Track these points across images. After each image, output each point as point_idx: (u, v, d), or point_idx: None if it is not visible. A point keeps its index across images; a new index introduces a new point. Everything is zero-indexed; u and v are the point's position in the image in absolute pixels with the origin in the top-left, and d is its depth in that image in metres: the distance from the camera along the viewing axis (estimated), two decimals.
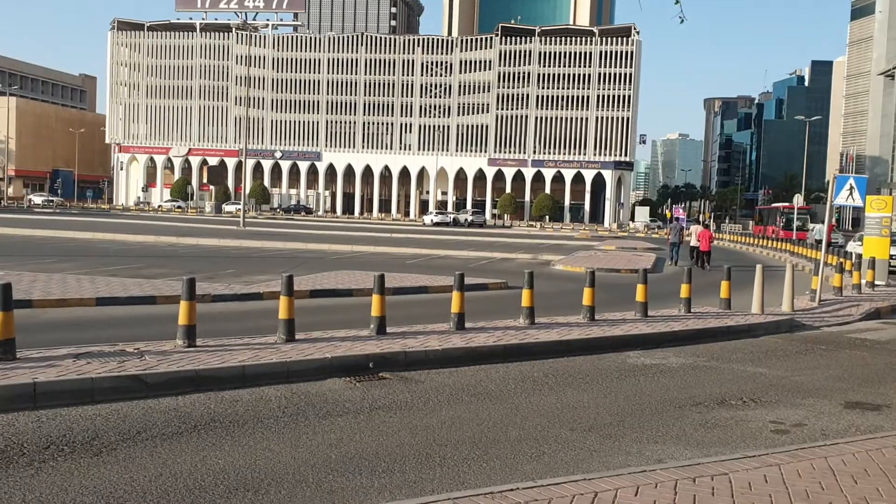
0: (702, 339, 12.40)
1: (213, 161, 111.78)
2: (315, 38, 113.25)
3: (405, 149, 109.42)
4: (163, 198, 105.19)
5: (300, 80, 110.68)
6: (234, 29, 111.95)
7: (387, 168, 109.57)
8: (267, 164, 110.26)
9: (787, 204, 59.98)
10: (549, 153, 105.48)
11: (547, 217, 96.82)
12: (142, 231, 39.61)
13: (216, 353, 8.80)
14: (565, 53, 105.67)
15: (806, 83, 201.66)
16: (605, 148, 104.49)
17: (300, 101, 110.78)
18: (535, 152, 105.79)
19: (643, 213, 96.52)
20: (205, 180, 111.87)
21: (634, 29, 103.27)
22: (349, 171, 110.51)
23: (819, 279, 17.92)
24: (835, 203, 18.17)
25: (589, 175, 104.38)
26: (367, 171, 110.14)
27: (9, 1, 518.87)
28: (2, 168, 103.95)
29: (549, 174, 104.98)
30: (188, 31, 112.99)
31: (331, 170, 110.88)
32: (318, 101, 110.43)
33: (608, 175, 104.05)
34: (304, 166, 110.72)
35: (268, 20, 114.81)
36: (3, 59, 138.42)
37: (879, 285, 22.22)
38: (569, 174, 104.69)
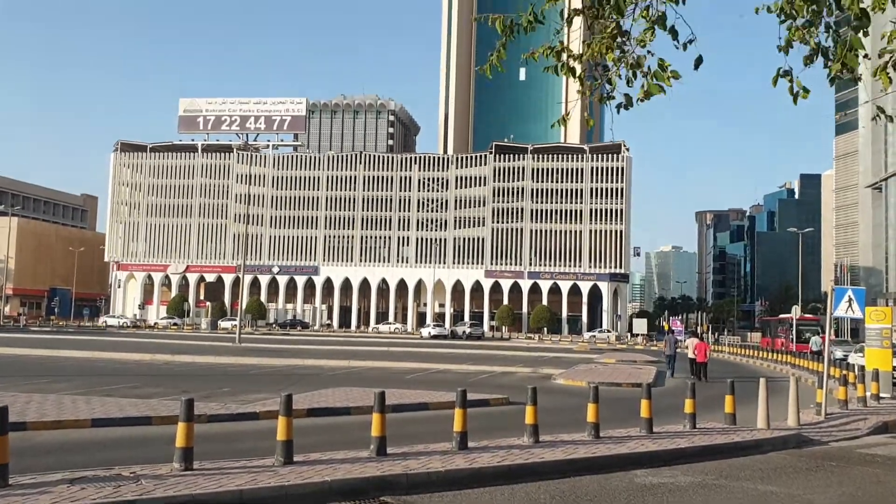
0: (709, 455, 12.13)
1: (210, 277, 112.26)
2: (315, 157, 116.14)
3: (402, 262, 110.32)
4: (159, 315, 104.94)
5: (299, 197, 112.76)
6: (235, 149, 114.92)
7: (384, 281, 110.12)
8: (264, 280, 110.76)
9: (797, 315, 57.04)
10: (546, 265, 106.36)
11: (545, 329, 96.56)
12: (137, 349, 39.30)
13: (213, 476, 8.57)
14: (558, 169, 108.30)
15: (796, 195, 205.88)
16: (601, 260, 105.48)
17: (299, 217, 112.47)
18: (531, 264, 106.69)
19: (641, 326, 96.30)
20: (202, 297, 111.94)
21: (624, 146, 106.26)
22: (346, 284, 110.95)
23: (824, 392, 17.72)
24: (835, 315, 18.21)
25: (585, 287, 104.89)
26: (365, 285, 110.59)
27: (16, 124, 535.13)
28: (0, 287, 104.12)
29: (545, 286, 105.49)
30: (190, 152, 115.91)
31: (328, 283, 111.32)
32: (317, 217, 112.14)
33: (604, 287, 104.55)
34: (301, 280, 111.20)
35: (268, 141, 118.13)
36: (6, 180, 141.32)
37: (884, 397, 21.93)
38: (565, 286, 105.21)
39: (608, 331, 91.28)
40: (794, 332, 55.32)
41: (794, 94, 5.34)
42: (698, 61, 5.32)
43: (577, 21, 5.67)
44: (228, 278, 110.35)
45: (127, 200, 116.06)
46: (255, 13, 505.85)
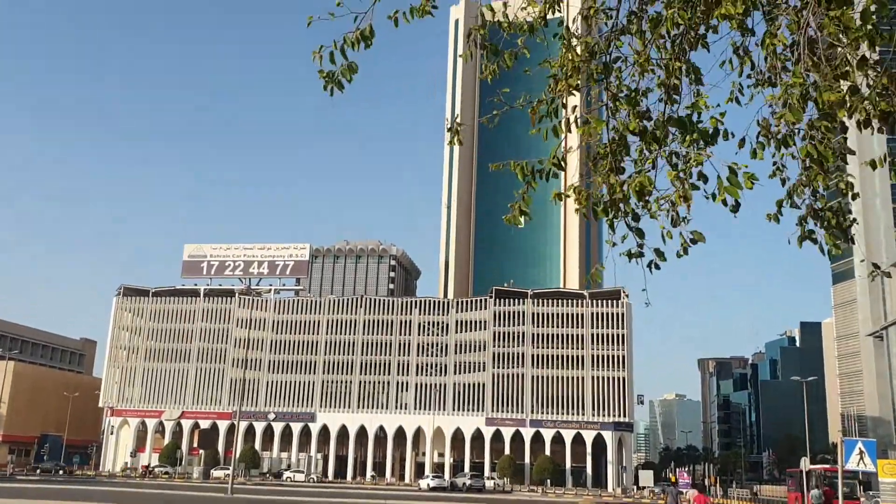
0: None
1: (204, 424, 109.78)
2: (315, 301, 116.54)
3: (401, 408, 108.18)
4: (151, 462, 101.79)
5: (299, 342, 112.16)
6: (237, 293, 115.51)
7: (382, 428, 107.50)
8: (259, 427, 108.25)
9: (827, 466, 53.88)
10: (548, 413, 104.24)
11: (548, 481, 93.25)
12: (126, 501, 37.78)
13: None
14: (557, 315, 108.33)
15: (797, 343, 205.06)
16: (604, 408, 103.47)
17: (297, 362, 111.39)
18: (532, 412, 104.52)
19: (647, 478, 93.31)
20: (195, 444, 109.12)
21: (623, 292, 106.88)
22: (343, 431, 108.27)
23: None
24: (846, 468, 17.60)
25: (589, 436, 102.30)
26: (362, 432, 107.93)
27: (20, 267, 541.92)
28: None
29: (548, 434, 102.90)
30: (192, 297, 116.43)
31: (324, 431, 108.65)
32: (315, 362, 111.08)
33: (608, 436, 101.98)
34: (296, 428, 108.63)
35: (270, 285, 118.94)
36: (5, 323, 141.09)
37: None
38: (568, 435, 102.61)
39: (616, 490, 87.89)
40: (825, 483, 51.17)
41: (822, 250, 5.14)
42: (736, 206, 4.90)
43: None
44: (223, 425, 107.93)
45: (126, 345, 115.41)
46: (263, 160, 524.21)
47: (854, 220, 5.33)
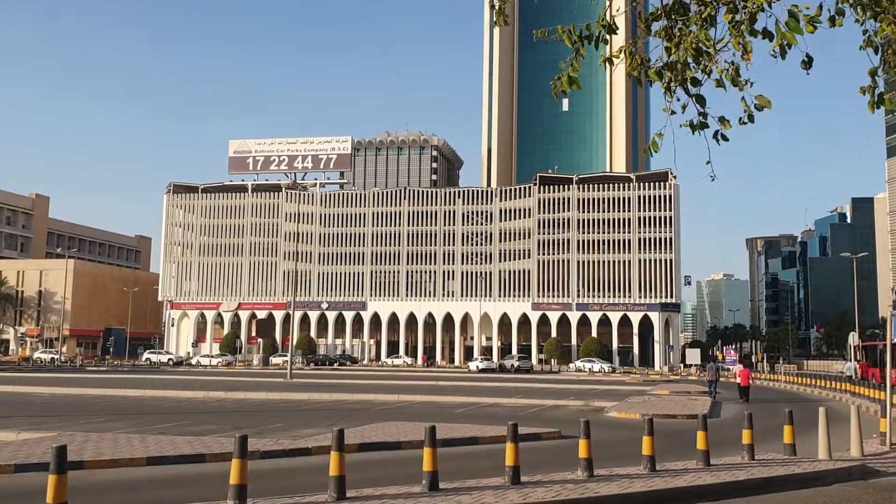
0: (769, 488, 11.76)
1: (261, 314, 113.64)
2: (360, 194, 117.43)
3: (448, 296, 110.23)
4: (212, 352, 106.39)
5: (346, 234, 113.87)
6: (283, 188, 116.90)
7: (430, 315, 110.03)
8: (314, 315, 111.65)
9: (855, 341, 53.85)
10: (594, 296, 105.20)
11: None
12: (191, 386, 39.81)
13: None
14: (603, 199, 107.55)
15: (848, 220, 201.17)
16: (651, 290, 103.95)
17: (346, 254, 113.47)
18: (579, 296, 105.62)
19: (694, 356, 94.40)
20: (253, 333, 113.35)
21: (671, 174, 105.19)
22: (393, 319, 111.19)
23: (888, 421, 17.11)
24: (895, 341, 17.65)
25: (635, 318, 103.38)
26: (412, 319, 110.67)
27: (72, 169, 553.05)
28: (57, 328, 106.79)
29: (594, 317, 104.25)
30: (240, 192, 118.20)
31: (375, 318, 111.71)
32: (363, 253, 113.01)
33: (655, 317, 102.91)
34: (349, 316, 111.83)
35: (315, 179, 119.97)
36: (63, 223, 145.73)
37: None
38: (615, 317, 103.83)
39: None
40: None
41: (875, 103, 4.81)
42: (809, 61, 4.55)
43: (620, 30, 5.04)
44: (279, 315, 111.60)
45: (179, 241, 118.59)
46: (302, 55, 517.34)
47: None
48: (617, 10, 4.86)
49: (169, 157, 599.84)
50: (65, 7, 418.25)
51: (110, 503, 9.69)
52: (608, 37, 4.97)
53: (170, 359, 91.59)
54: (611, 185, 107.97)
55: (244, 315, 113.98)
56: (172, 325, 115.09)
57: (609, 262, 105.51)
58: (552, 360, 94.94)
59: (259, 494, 9.67)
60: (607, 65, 5.23)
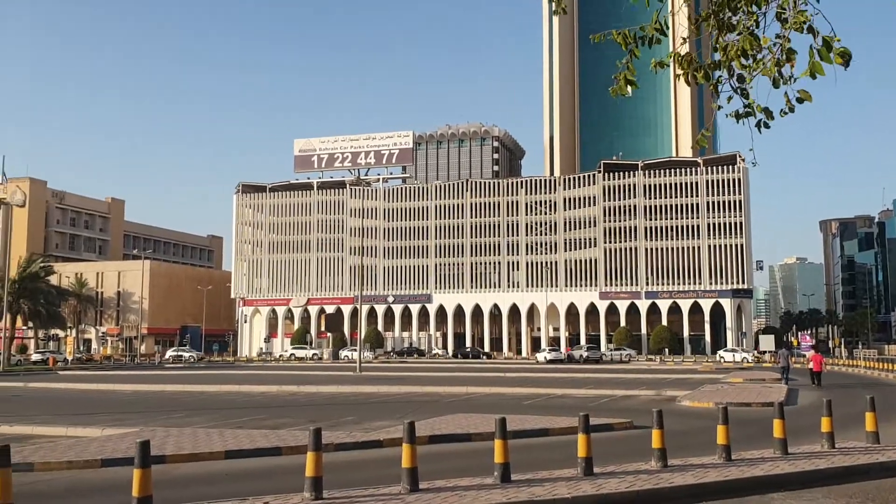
0: (851, 477, 11.40)
1: (329, 309, 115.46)
2: (423, 188, 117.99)
3: (514, 287, 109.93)
4: (283, 347, 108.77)
5: (410, 228, 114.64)
6: (348, 185, 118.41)
7: (496, 307, 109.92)
8: (380, 309, 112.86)
9: None
10: (663, 284, 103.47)
11: (666, 350, 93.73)
12: (264, 381, 40.73)
13: None
14: (670, 185, 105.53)
15: None
16: (721, 276, 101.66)
17: (410, 247, 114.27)
18: (647, 284, 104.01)
19: (768, 342, 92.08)
20: (322, 328, 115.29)
21: (740, 156, 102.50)
22: (459, 311, 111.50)
23: None
24: None
25: (706, 304, 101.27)
26: (477, 311, 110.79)
27: (147, 175, 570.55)
28: (136, 327, 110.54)
29: (664, 305, 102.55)
30: (306, 190, 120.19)
31: (441, 311, 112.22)
32: (427, 246, 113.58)
33: (727, 304, 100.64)
34: (415, 309, 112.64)
35: (379, 174, 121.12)
36: (138, 225, 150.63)
37: None
38: (685, 304, 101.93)
39: (736, 350, 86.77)
40: None
41: None
42: (848, 57, 4.70)
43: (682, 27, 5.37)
44: (347, 309, 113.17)
45: (249, 239, 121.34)
46: (361, 51, 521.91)
47: None
48: (673, 11, 5.05)
49: (236, 157, 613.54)
50: (126, 7, 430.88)
51: (191, 496, 10.00)
52: (663, 36, 5.20)
53: (192, 356, 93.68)
54: (677, 171, 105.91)
55: (313, 310, 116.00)
56: (245, 322, 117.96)
57: (678, 248, 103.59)
58: (621, 350, 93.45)
59: (334, 486, 9.85)
60: (659, 68, 5.57)
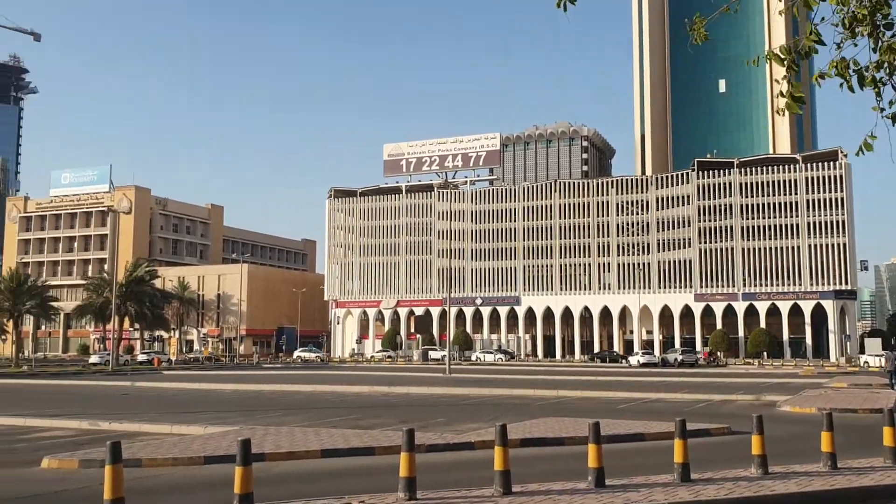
0: None
1: (418, 311, 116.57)
2: (510, 189, 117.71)
3: (604, 288, 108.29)
4: (374, 348, 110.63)
5: (497, 230, 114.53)
6: (436, 188, 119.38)
7: (586, 309, 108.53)
8: (468, 311, 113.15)
9: None
10: (761, 285, 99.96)
11: (764, 353, 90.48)
12: (357, 382, 41.49)
13: None
14: (768, 183, 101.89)
15: None
16: (823, 277, 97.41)
17: (498, 249, 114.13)
18: (744, 285, 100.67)
19: (874, 346, 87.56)
20: (412, 330, 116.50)
21: (841, 152, 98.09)
22: (548, 313, 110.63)
23: None
24: None
25: (807, 307, 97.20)
26: (567, 313, 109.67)
27: (243, 180, 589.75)
28: (235, 328, 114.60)
29: (762, 307, 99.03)
30: (395, 194, 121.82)
31: (529, 313, 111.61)
32: (515, 248, 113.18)
33: (829, 306, 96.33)
34: (503, 311, 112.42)
35: (466, 177, 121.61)
36: (235, 230, 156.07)
37: None
38: (784, 306, 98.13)
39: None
40: None
41: None
42: None
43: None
44: (435, 311, 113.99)
45: (341, 242, 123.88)
46: (445, 54, 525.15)
47: None
48: (843, 10, 4.80)
49: (328, 162, 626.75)
50: (202, 9, 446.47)
51: (289, 494, 10.29)
52: (822, 45, 5.08)
53: (318, 356, 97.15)
54: (775, 168, 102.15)
55: (403, 312, 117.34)
56: (338, 324, 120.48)
57: (776, 248, 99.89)
58: (718, 353, 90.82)
59: (426, 487, 9.95)
60: (819, 80, 5.28)
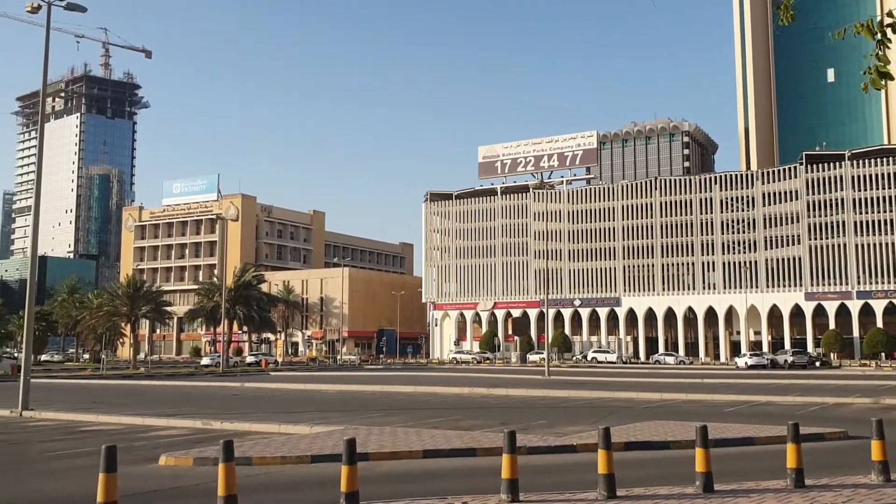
0: None
1: (516, 313, 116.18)
2: (608, 188, 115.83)
3: (709, 288, 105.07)
4: (472, 350, 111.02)
5: (595, 229, 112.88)
6: (531, 189, 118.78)
7: (690, 309, 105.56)
8: (566, 313, 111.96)
9: None
10: (877, 283, 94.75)
11: (882, 354, 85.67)
12: (456, 383, 41.73)
13: None
14: (882, 175, 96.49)
15: None
16: None
17: (596, 249, 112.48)
18: (859, 283, 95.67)
19: None
20: (509, 331, 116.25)
21: None
22: (650, 314, 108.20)
23: None
24: None
25: None
26: (669, 314, 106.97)
27: (342, 185, 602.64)
28: (337, 330, 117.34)
29: (878, 306, 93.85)
30: (490, 196, 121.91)
31: (630, 314, 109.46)
32: (615, 248, 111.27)
33: None
34: (603, 312, 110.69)
35: (562, 177, 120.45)
36: (337, 235, 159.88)
37: None
38: None
39: None
40: None
41: None
42: None
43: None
44: (533, 313, 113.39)
45: (438, 245, 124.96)
46: (540, 53, 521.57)
47: None
48: None
49: (423, 165, 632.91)
50: (289, 10, 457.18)
51: (393, 493, 10.47)
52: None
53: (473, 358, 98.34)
54: (890, 159, 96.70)
55: (500, 314, 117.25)
56: (436, 326, 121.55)
57: (893, 244, 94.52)
58: (831, 354, 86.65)
59: (528, 489, 9.92)
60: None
